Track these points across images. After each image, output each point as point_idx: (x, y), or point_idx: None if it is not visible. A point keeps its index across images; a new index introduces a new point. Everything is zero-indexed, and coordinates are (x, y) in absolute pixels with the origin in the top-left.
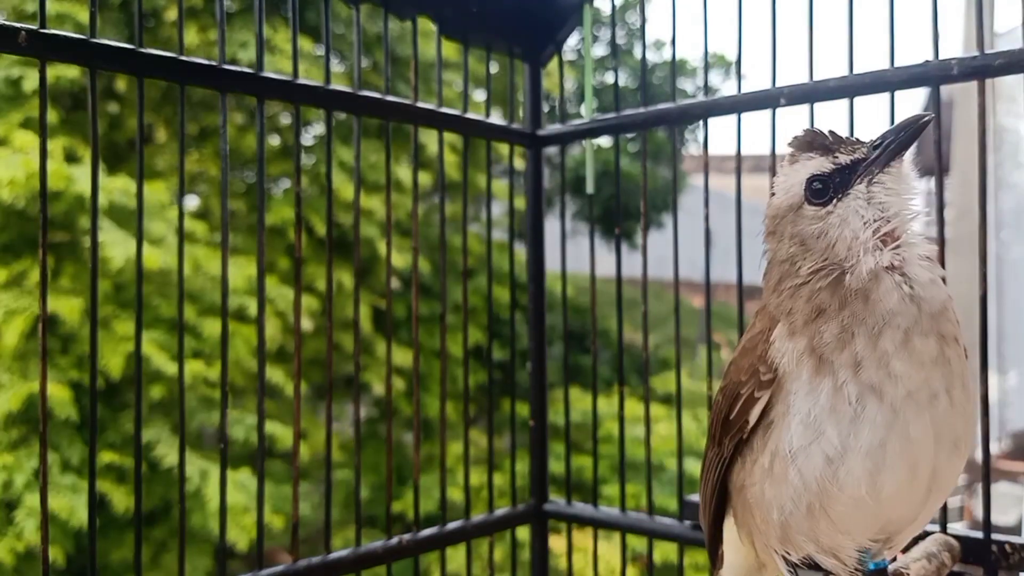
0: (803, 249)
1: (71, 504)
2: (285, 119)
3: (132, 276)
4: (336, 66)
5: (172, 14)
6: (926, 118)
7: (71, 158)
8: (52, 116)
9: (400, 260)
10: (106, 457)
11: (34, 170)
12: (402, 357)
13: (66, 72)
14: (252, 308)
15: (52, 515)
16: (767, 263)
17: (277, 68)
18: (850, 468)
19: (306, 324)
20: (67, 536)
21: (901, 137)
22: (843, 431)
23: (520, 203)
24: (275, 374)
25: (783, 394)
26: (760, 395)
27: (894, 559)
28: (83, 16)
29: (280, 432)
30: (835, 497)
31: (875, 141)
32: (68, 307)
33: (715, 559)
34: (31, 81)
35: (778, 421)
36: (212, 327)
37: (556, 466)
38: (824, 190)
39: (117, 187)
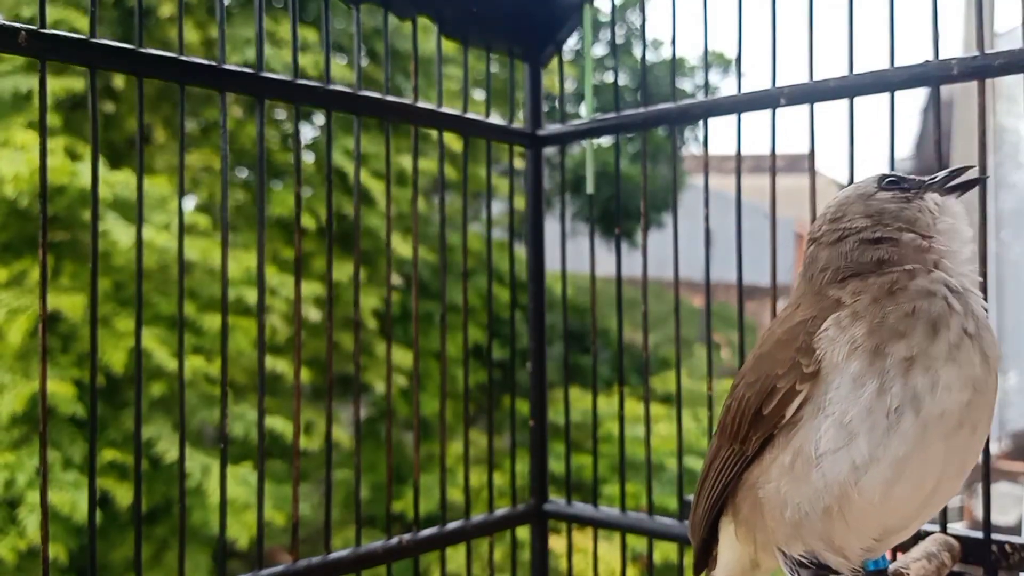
0: (881, 218)
1: (73, 499)
2: (283, 112)
3: (133, 273)
4: (338, 59)
5: (166, 10)
6: (978, 177)
7: (73, 155)
8: (54, 119)
9: (403, 251)
10: (108, 455)
11: (38, 166)
12: (402, 356)
13: (71, 84)
14: (254, 299)
15: (55, 512)
16: (816, 253)
17: (283, 61)
18: (872, 477)
19: (314, 314)
20: (70, 533)
21: (955, 181)
22: (874, 440)
23: (520, 202)
24: (280, 364)
25: (819, 391)
26: (802, 388)
27: (894, 558)
28: (80, 23)
29: (282, 426)
30: (854, 502)
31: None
32: (70, 304)
33: (704, 560)
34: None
35: (807, 419)
36: (213, 322)
37: (556, 466)
38: (898, 183)
39: (119, 181)
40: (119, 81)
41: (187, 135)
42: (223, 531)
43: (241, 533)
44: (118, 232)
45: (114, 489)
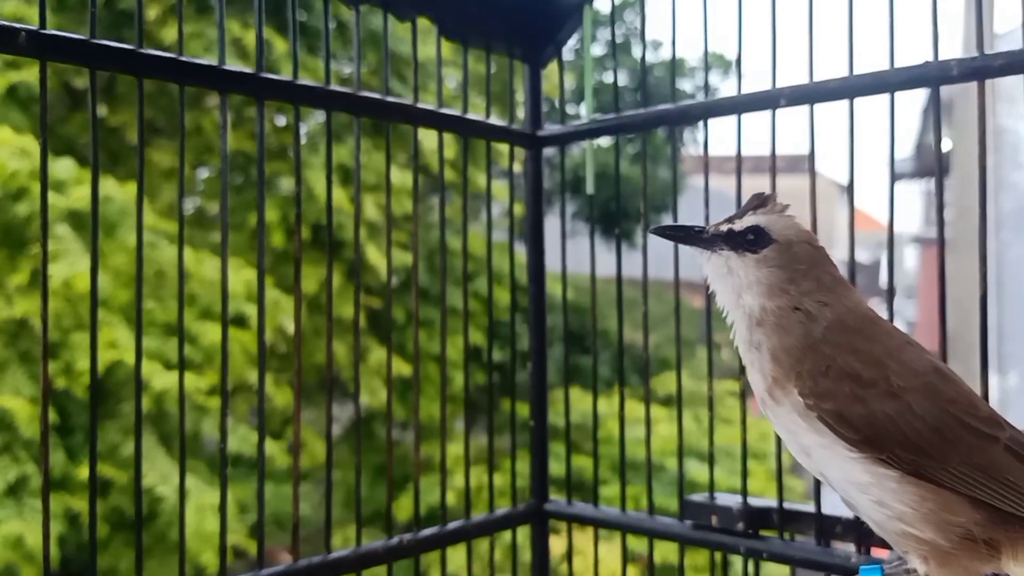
0: None
1: (39, 535)
2: (278, 119)
3: (75, 298)
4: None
5: (152, 12)
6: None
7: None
8: (25, 119)
9: (385, 260)
10: (87, 469)
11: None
12: (397, 363)
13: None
14: (245, 311)
15: (26, 551)
16: None
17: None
18: None
19: (289, 325)
20: (37, 569)
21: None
22: None
23: (519, 208)
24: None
25: None
26: None
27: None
28: (31, 15)
29: (268, 446)
30: None
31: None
32: (37, 313)
33: None
34: None
35: None
36: (204, 332)
37: (556, 467)
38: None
39: (80, 194)
40: (80, 80)
41: (166, 138)
42: (224, 533)
43: (213, 560)
44: (58, 259)
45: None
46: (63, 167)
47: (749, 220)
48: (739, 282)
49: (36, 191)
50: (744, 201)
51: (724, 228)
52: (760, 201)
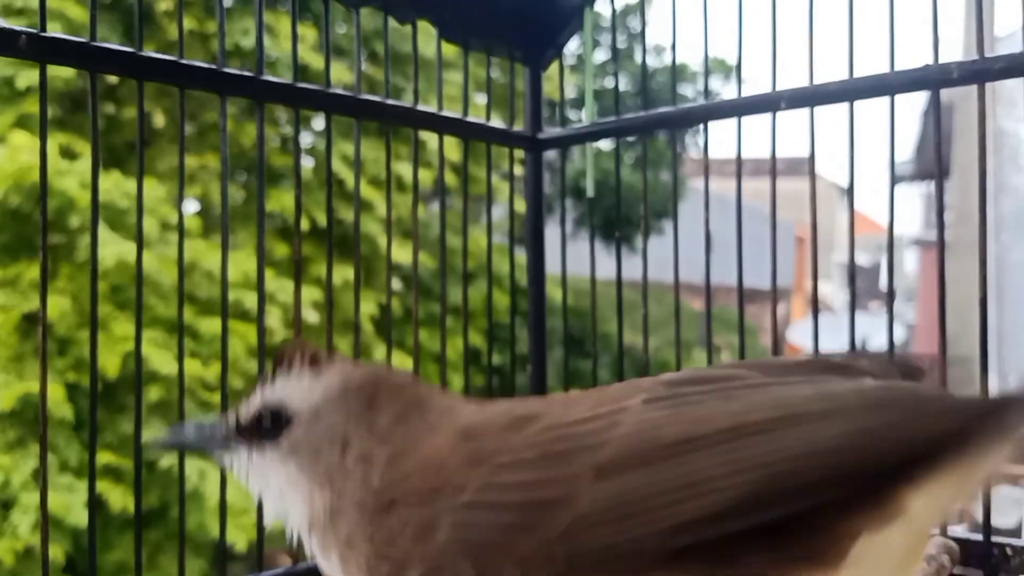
0: None
1: (68, 502)
2: (283, 114)
3: (126, 277)
4: (341, 61)
5: (163, 5)
6: None
7: (67, 154)
8: (50, 113)
9: (401, 256)
10: (103, 458)
11: (22, 164)
12: (400, 360)
13: (60, 72)
14: (250, 303)
15: (50, 515)
16: None
17: (281, 50)
18: None
19: (312, 316)
20: (64, 535)
21: None
22: None
23: (520, 206)
24: None
25: None
26: None
27: None
28: (74, 11)
29: None
30: None
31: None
32: (65, 306)
33: None
34: (24, 79)
35: None
36: (209, 326)
37: None
38: None
39: (105, 186)
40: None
41: (186, 137)
42: (223, 533)
43: (239, 537)
44: (103, 246)
45: (108, 492)
46: (84, 165)
47: (267, 395)
48: (272, 486)
49: (59, 188)
50: (744, 204)
51: (234, 418)
52: (279, 360)
